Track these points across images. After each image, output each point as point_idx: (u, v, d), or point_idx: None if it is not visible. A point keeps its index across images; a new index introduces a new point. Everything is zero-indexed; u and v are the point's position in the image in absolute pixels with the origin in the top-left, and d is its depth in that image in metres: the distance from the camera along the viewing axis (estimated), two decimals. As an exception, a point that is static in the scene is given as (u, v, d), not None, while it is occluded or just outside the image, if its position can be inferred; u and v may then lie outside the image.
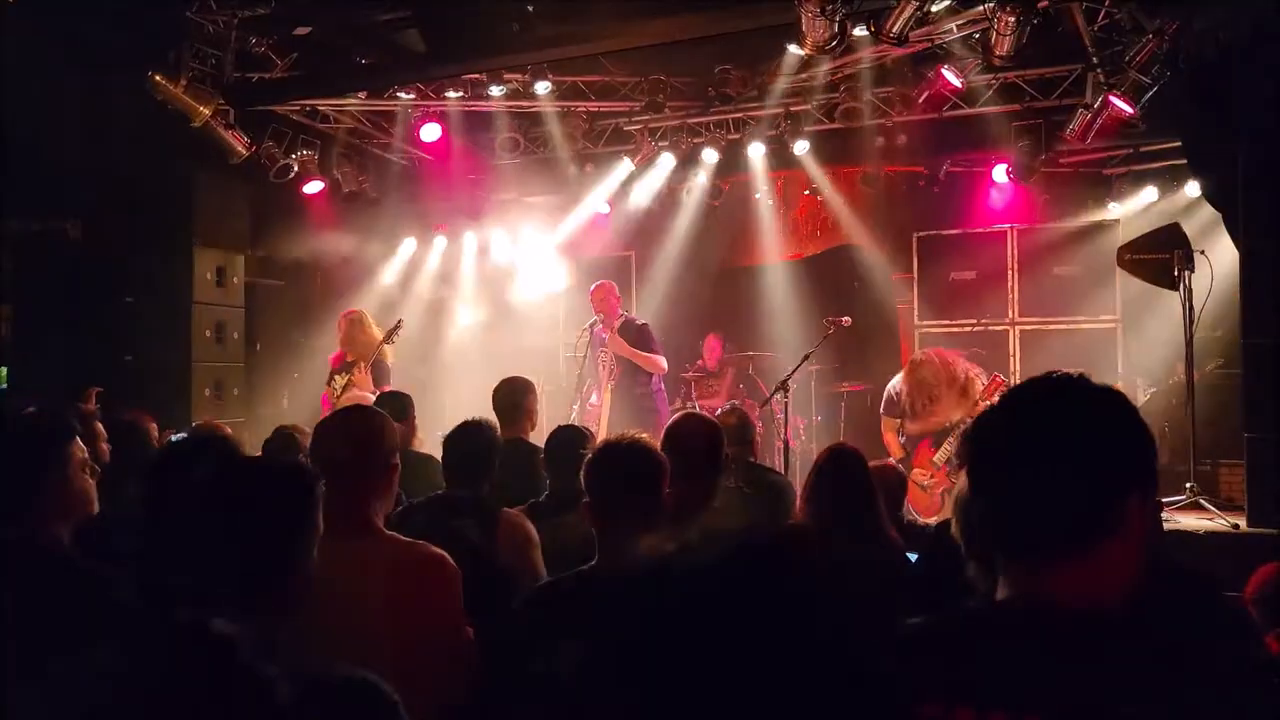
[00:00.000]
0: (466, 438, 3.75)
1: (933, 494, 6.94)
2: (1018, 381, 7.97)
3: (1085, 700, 1.25)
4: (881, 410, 7.36)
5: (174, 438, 4.46)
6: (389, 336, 7.28)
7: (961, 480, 2.59)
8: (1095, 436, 1.35)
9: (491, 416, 4.31)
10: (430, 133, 8.62)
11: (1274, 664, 2.82)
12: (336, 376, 7.23)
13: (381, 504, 2.57)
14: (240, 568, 1.56)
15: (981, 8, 6.46)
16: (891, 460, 6.38)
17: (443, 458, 3.76)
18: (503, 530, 3.41)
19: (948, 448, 6.79)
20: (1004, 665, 1.30)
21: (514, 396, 4.96)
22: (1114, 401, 1.39)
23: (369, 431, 2.61)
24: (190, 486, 1.63)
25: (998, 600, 1.39)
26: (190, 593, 1.53)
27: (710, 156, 9.10)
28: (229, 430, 5.52)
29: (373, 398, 6.21)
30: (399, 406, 5.27)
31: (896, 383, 7.26)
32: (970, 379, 7.00)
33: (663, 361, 7.56)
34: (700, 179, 9.46)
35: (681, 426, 3.26)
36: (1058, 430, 1.36)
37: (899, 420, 7.21)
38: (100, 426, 3.81)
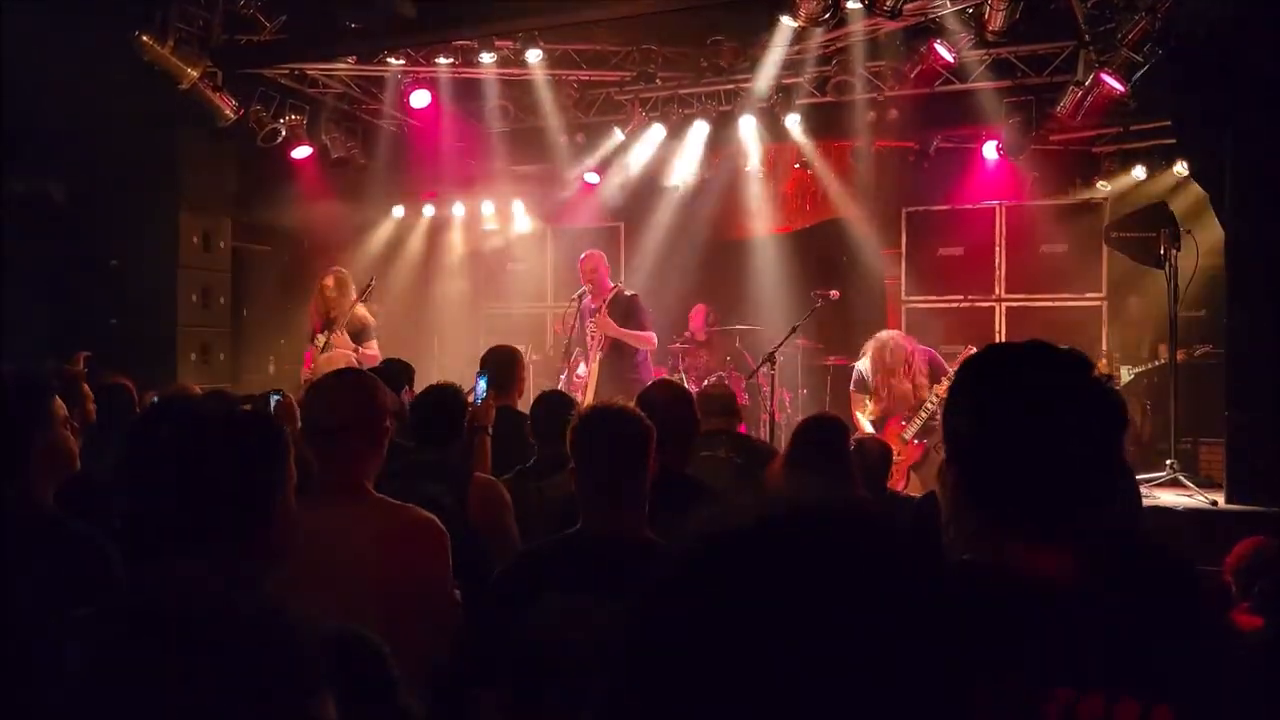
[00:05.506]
0: (434, 401, 3.71)
1: (899, 468, 6.94)
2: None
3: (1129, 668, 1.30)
4: (852, 388, 7.31)
5: (155, 399, 4.47)
6: (363, 294, 7.25)
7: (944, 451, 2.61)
8: (1121, 415, 1.42)
9: (469, 382, 4.30)
10: (420, 99, 8.56)
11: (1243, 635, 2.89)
12: (319, 335, 7.20)
13: (373, 467, 2.58)
14: (214, 517, 1.56)
15: (975, -18, 6.46)
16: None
17: (411, 421, 3.73)
18: (474, 494, 3.41)
19: (917, 422, 6.79)
20: (1080, 641, 1.33)
21: (502, 365, 4.95)
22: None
23: (361, 395, 2.61)
24: (159, 441, 1.63)
25: (1026, 569, 1.38)
26: (172, 545, 1.54)
27: (701, 128, 9.07)
28: (198, 390, 5.58)
29: (358, 363, 6.20)
30: (409, 374, 5.30)
31: (865, 361, 7.21)
32: (919, 370, 6.95)
33: (653, 337, 7.46)
34: (691, 150, 9.42)
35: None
36: (1102, 402, 1.41)
37: (867, 397, 7.18)
38: (87, 388, 3.81)
